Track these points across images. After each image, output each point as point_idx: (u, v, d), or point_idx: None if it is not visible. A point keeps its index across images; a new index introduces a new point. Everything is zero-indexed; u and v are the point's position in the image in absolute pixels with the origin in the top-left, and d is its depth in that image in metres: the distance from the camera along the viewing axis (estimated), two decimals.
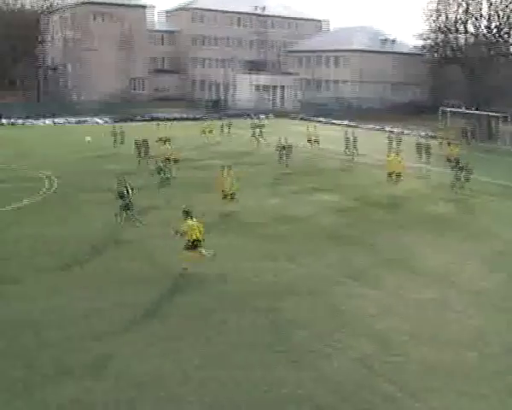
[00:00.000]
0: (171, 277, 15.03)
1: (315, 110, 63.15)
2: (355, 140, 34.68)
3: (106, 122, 53.44)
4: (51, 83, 76.66)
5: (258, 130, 39.28)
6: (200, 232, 14.84)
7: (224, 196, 21.25)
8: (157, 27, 79.06)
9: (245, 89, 70.98)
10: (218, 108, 65.10)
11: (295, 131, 37.05)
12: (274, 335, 11.99)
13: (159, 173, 25.23)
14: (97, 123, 54.13)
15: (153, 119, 56.48)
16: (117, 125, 39.18)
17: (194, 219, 15.01)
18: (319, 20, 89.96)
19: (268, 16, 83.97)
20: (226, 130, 44.01)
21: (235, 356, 11.12)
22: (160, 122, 41.55)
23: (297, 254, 17.06)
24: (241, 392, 9.96)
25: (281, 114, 63.76)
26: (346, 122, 53.54)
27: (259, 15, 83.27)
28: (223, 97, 70.98)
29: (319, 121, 54.51)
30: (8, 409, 9.42)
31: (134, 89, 72.00)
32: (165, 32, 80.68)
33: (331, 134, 42.41)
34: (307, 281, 15.06)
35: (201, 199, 21.91)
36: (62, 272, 15.27)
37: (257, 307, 13.35)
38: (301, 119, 58.07)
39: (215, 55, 79.03)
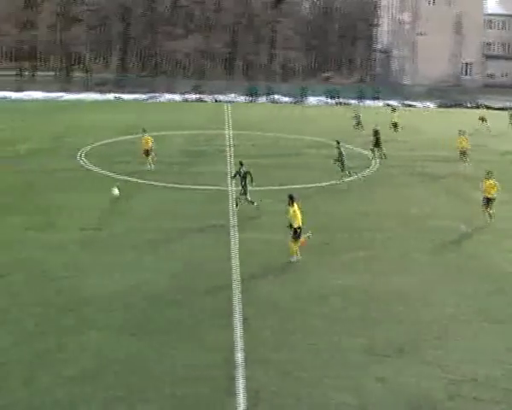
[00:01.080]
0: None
1: None
2: None
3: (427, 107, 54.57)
4: (382, 65, 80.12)
5: None
6: (297, 219, 14.62)
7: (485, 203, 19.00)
8: (490, 11, 76.10)
9: None
10: None
11: None
12: None
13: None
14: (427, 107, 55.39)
15: (478, 106, 55.00)
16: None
17: (296, 205, 14.80)
18: None
19: None
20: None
21: None
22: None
23: None
24: None
25: None
26: None
27: None
28: None
29: None
30: None
31: (465, 74, 71.21)
32: (500, 15, 77.09)
33: None
34: None
35: None
36: None
37: None
38: None
39: None
